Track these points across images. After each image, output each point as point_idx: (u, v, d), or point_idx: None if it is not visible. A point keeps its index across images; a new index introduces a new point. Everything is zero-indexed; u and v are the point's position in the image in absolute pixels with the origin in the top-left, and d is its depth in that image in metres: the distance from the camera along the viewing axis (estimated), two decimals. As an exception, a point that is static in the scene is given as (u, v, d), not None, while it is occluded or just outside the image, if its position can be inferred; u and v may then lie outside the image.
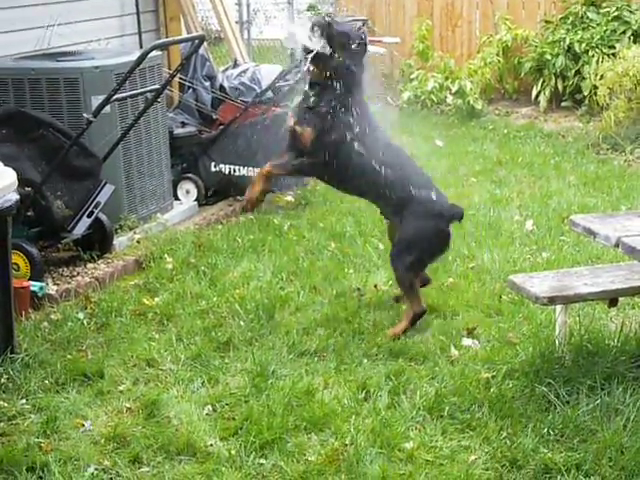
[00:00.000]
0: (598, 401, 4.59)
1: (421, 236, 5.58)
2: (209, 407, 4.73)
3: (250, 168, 8.18)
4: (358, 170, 5.55)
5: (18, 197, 5.19)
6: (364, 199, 6.02)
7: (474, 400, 4.72)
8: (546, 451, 4.24)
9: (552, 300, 4.86)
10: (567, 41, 11.82)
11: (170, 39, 8.73)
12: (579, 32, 11.88)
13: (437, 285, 6.28)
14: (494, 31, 12.75)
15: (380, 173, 5.52)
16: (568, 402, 4.62)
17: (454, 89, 12.07)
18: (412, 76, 12.64)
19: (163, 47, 8.03)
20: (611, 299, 5.21)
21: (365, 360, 5.22)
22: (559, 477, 4.08)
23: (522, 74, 12.40)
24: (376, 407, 4.67)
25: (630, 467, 4.12)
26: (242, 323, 5.71)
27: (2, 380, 4.97)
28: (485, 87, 12.35)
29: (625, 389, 4.67)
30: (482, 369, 5.03)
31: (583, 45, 11.70)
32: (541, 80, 12.12)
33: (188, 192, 8.28)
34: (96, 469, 4.18)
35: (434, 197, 5.61)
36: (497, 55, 12.40)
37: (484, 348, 5.34)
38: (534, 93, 12.21)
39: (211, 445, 4.36)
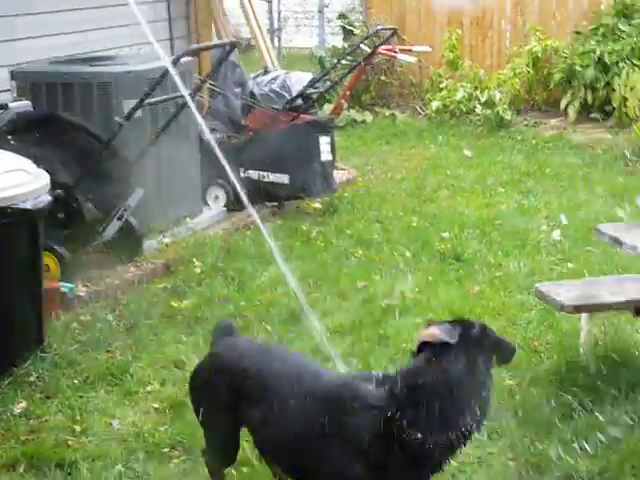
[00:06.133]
0: (622, 410, 4.59)
1: None
2: (235, 409, 4.76)
3: (278, 175, 8.23)
4: None
5: (50, 199, 5.27)
6: None
7: (498, 407, 4.73)
8: (569, 459, 4.25)
9: (578, 309, 4.88)
10: (597, 52, 11.78)
11: (201, 45, 8.80)
12: (610, 43, 11.85)
13: (463, 293, 6.30)
14: (524, 42, 12.73)
15: None
16: (592, 410, 4.63)
17: (483, 99, 12.07)
18: (441, 85, 12.66)
19: (194, 53, 8.10)
20: (637, 309, 5.18)
21: (390, 366, 5.23)
22: (582, 484, 4.10)
23: (551, 85, 12.38)
24: (401, 412, 4.69)
25: (653, 476, 4.14)
26: (269, 327, 5.76)
27: (32, 378, 5.05)
28: (514, 98, 12.32)
29: (649, 398, 4.68)
30: (507, 376, 5.04)
31: (613, 56, 11.66)
32: (570, 91, 12.07)
33: (217, 198, 8.31)
34: (123, 466, 4.23)
35: None
36: (527, 66, 12.38)
37: (509, 356, 5.34)
38: (563, 104, 12.16)
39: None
